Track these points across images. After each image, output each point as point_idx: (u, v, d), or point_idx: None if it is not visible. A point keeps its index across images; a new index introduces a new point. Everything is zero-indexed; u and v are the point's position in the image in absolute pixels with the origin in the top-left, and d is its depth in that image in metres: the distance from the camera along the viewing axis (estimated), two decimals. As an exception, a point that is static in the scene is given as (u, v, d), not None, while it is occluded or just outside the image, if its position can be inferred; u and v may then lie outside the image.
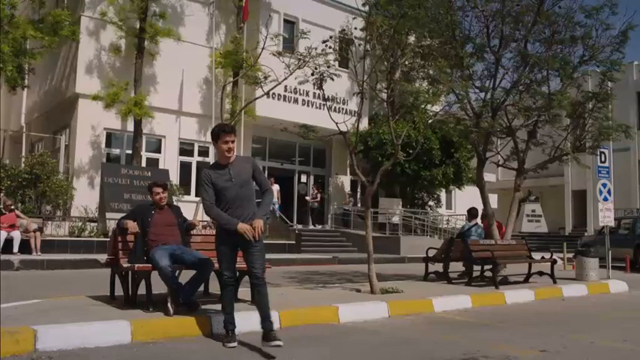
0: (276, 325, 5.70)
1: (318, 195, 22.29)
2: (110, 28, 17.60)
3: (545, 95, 10.42)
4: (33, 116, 20.92)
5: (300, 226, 21.13)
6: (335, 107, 18.37)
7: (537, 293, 8.89)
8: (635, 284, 11.02)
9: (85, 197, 16.81)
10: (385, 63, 8.56)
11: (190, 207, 15.07)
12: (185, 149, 20.06)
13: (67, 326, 4.78)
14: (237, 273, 5.34)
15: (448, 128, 11.98)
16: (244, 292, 6.05)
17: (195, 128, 19.98)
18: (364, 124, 21.69)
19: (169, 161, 19.22)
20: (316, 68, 8.28)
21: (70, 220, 15.98)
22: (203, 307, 5.80)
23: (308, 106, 20.88)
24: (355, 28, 9.81)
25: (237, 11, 19.70)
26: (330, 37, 9.00)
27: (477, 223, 11.08)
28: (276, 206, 20.79)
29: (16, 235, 12.85)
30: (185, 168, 19.89)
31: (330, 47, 8.75)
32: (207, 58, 19.47)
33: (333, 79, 8.36)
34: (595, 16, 10.27)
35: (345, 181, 24.10)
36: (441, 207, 26.26)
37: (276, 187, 20.79)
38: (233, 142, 4.84)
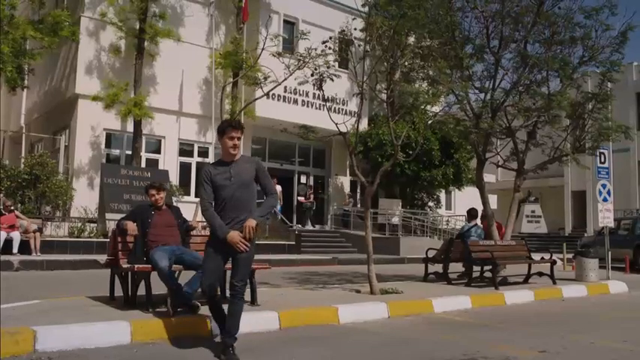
0: (275, 326, 5.73)
1: (311, 195, 22.27)
2: (110, 29, 17.60)
3: (544, 96, 10.42)
4: (33, 117, 20.91)
5: (299, 227, 21.13)
6: (335, 108, 18.34)
7: (537, 294, 8.89)
8: (635, 285, 11.02)
9: (85, 198, 16.80)
10: (385, 64, 8.57)
11: (190, 208, 15.07)
12: (185, 150, 20.05)
13: (67, 327, 4.77)
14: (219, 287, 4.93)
15: (448, 129, 11.97)
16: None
17: (194, 129, 19.98)
18: (364, 125, 21.69)
19: (169, 162, 19.22)
20: (316, 69, 8.29)
21: (69, 220, 15.98)
22: (203, 307, 5.79)
23: (308, 106, 20.88)
24: (355, 29, 9.81)
25: (236, 12, 19.70)
26: (330, 38, 9.01)
27: (476, 224, 11.08)
28: (278, 208, 20.76)
29: (16, 236, 12.84)
30: (185, 169, 19.89)
31: (329, 48, 8.76)
32: (206, 59, 19.47)
33: (332, 80, 8.38)
34: (594, 17, 10.27)
35: (345, 181, 24.10)
36: (440, 208, 26.27)
37: (278, 188, 20.76)
38: (239, 138, 4.66)
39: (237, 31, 19.34)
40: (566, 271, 13.16)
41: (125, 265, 6.02)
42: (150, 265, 5.82)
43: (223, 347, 4.46)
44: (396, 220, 22.08)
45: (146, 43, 17.80)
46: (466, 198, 23.40)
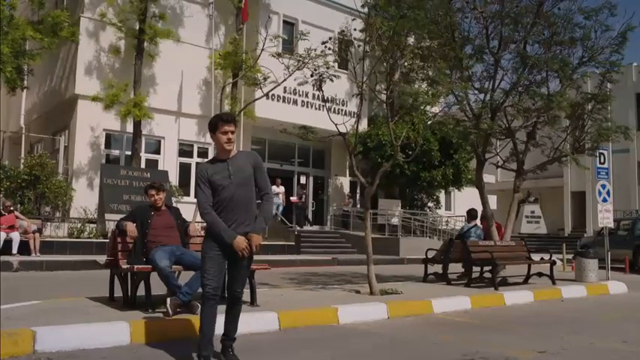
0: (275, 327, 5.73)
1: (303, 195, 22.26)
2: (109, 29, 17.60)
3: (544, 96, 10.42)
4: (32, 117, 20.91)
5: (298, 228, 21.13)
6: (334, 108, 18.37)
7: (536, 294, 8.88)
8: (635, 285, 11.02)
9: (85, 198, 16.80)
10: (384, 64, 8.56)
11: (189, 208, 15.04)
12: (184, 150, 20.05)
13: (66, 327, 4.78)
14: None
15: (447, 129, 11.98)
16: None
17: (194, 129, 19.98)
18: (363, 126, 21.69)
19: (169, 162, 19.21)
20: (315, 69, 8.29)
21: (69, 221, 15.98)
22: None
23: (307, 107, 20.88)
24: (354, 30, 9.82)
25: (236, 12, 19.70)
26: (330, 39, 9.02)
27: (476, 225, 11.09)
28: (280, 209, 20.76)
29: (16, 237, 12.83)
30: (184, 169, 19.88)
31: (329, 48, 8.76)
32: (206, 60, 19.48)
33: (332, 81, 8.38)
34: (594, 18, 10.29)
35: (345, 182, 24.10)
36: (440, 208, 26.27)
37: (281, 189, 20.76)
38: (233, 132, 4.29)
39: (236, 32, 19.35)
40: (565, 271, 13.16)
41: (125, 266, 6.01)
42: (149, 266, 5.82)
43: (222, 348, 4.45)
44: (395, 220, 22.10)
45: (146, 44, 17.80)
46: (466, 198, 23.40)
